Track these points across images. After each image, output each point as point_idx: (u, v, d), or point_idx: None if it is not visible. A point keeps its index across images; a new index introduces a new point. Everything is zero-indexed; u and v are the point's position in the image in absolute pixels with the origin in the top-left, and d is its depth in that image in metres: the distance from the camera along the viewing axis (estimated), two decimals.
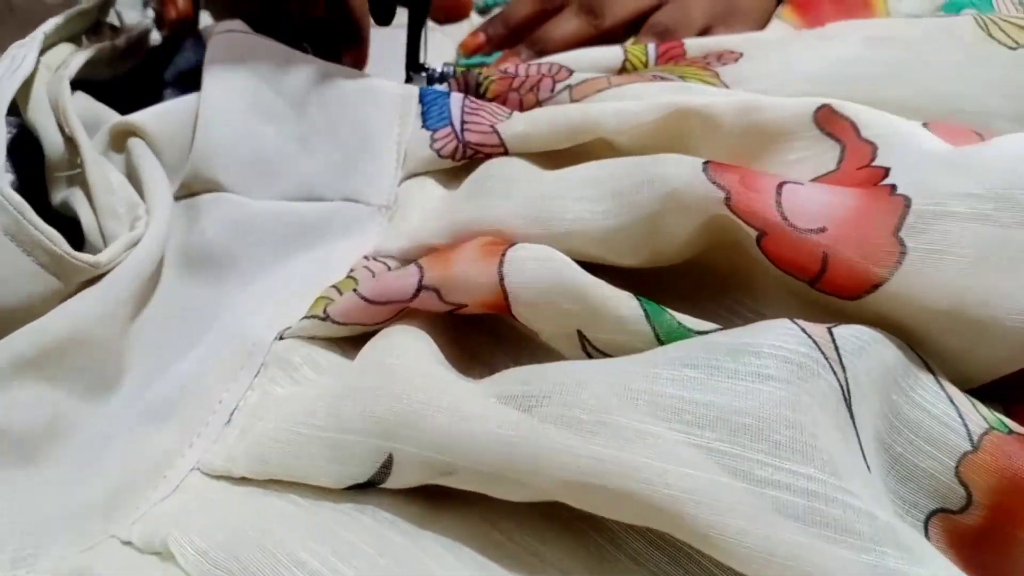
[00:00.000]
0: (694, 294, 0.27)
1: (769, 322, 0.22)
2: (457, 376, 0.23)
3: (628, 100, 0.32)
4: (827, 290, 0.23)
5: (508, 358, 0.27)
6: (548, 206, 0.26)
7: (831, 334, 0.22)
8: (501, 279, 0.24)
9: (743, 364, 0.20)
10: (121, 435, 0.24)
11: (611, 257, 0.26)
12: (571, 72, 0.35)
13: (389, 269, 0.30)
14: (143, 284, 0.26)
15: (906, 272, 0.22)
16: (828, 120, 0.28)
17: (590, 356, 0.25)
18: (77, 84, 0.34)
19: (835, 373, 0.21)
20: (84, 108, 0.34)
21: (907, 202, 0.22)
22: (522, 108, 0.35)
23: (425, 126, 0.33)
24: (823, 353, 0.21)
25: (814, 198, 0.23)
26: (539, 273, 0.24)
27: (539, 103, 0.35)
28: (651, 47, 0.38)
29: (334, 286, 0.28)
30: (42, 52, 0.33)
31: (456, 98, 0.34)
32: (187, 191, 0.32)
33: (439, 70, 0.40)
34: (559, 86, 0.34)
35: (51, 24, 0.34)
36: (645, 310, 0.23)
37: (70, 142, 0.31)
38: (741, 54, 0.35)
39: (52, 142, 0.31)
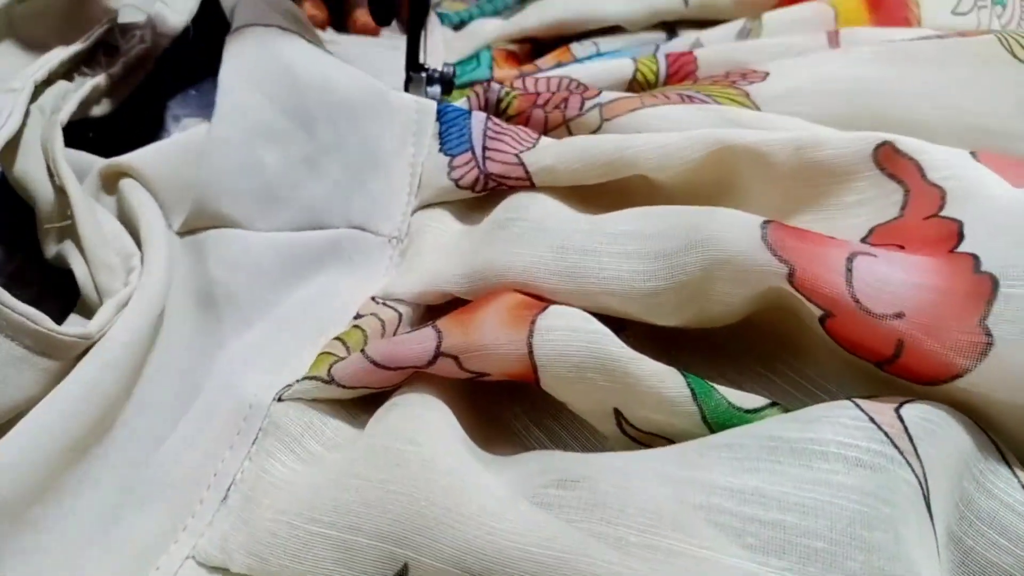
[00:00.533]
0: (740, 354, 0.25)
1: (831, 408, 0.20)
2: (480, 463, 0.20)
3: (667, 129, 0.29)
4: (899, 374, 0.21)
5: (531, 421, 0.24)
6: (581, 261, 0.24)
7: (901, 419, 0.19)
8: (530, 351, 0.21)
9: (809, 469, 0.18)
10: (107, 521, 0.22)
11: (650, 318, 0.24)
12: (600, 90, 0.32)
13: (400, 317, 0.27)
14: (134, 350, 0.23)
15: (991, 365, 0.19)
16: (890, 159, 0.26)
17: (625, 433, 0.22)
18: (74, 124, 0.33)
19: (911, 467, 0.18)
20: (74, 156, 0.32)
21: (994, 283, 0.20)
22: (547, 127, 0.32)
23: (443, 150, 0.30)
24: (897, 447, 0.19)
25: (890, 277, 0.20)
26: (573, 346, 0.21)
27: (566, 122, 0.32)
28: (662, 59, 0.36)
29: (339, 338, 0.26)
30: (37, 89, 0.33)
31: (478, 119, 0.31)
32: (191, 227, 0.30)
33: (439, 70, 0.40)
34: (588, 104, 0.32)
35: (43, 68, 0.33)
36: (692, 390, 0.21)
37: (61, 192, 0.29)
38: (767, 73, 0.33)
39: (43, 193, 0.30)
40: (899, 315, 0.20)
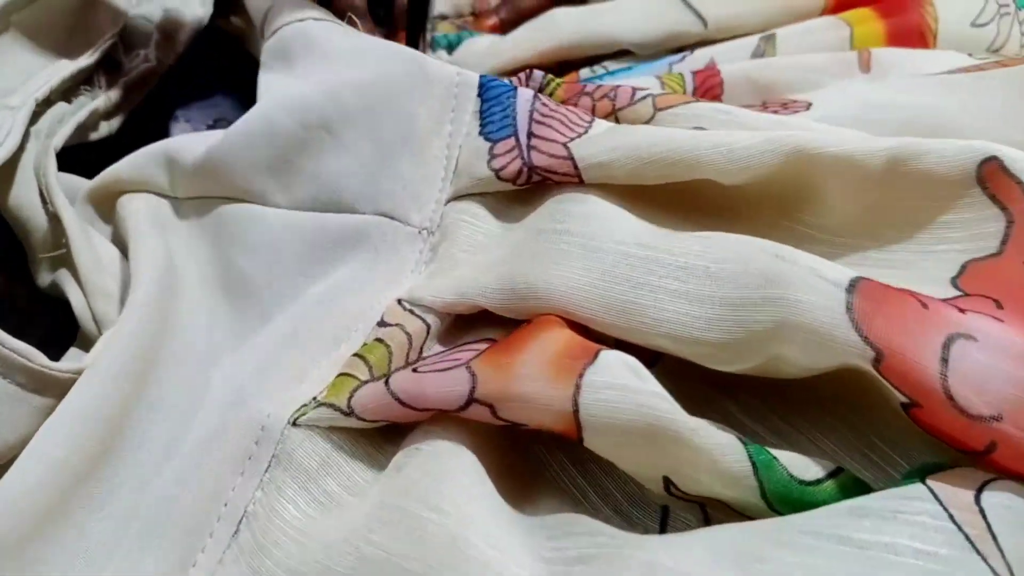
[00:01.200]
0: (800, 408, 0.22)
1: (906, 499, 0.18)
2: (512, 536, 0.18)
3: (730, 125, 0.26)
4: (986, 467, 0.18)
5: (571, 462, 0.23)
6: (634, 296, 0.21)
7: (982, 511, 0.17)
8: (575, 409, 0.19)
9: None
10: (114, 555, 0.20)
11: (703, 362, 0.21)
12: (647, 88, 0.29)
13: (427, 329, 0.24)
14: (126, 377, 0.22)
15: None
16: (994, 178, 0.23)
17: (672, 495, 0.20)
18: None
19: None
20: (66, 181, 0.31)
21: None
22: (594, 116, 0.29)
23: (484, 132, 0.27)
24: (979, 552, 0.17)
25: (991, 373, 0.17)
26: (624, 408, 0.19)
27: (615, 111, 0.28)
28: (688, 75, 0.33)
29: (360, 355, 0.23)
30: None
31: (524, 97, 0.27)
32: (200, 194, 0.28)
33: None
34: (639, 94, 0.28)
35: (45, 85, 0.32)
36: (754, 463, 0.19)
37: (55, 219, 0.28)
38: (809, 103, 0.29)
39: (35, 221, 0.29)
40: (997, 418, 0.17)
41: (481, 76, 0.28)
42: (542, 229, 0.24)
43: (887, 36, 0.36)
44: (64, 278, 0.29)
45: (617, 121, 0.28)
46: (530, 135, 0.26)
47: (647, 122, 0.27)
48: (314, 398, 0.23)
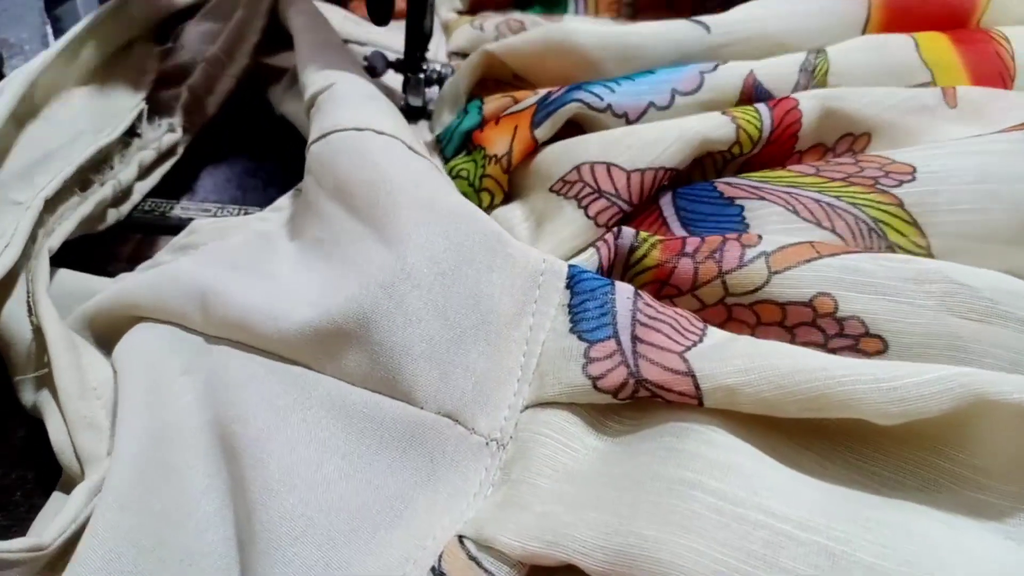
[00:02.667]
0: None
1: None
2: None
3: (857, 284, 0.23)
4: None
5: None
6: None
7: None
8: None
9: None
10: None
11: None
12: (758, 235, 0.25)
13: None
14: None
15: None
16: None
17: None
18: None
19: None
20: (70, 285, 0.30)
21: None
22: (695, 282, 0.25)
23: (577, 330, 0.22)
24: None
25: None
26: None
27: (722, 275, 0.24)
28: (765, 112, 0.30)
29: None
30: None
31: (623, 294, 0.23)
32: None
33: (438, 69, 0.39)
34: (750, 252, 0.24)
35: (57, 177, 0.30)
36: None
37: (38, 333, 0.26)
38: (913, 168, 0.26)
39: (19, 334, 0.26)
40: None
41: (571, 266, 0.24)
42: (663, 475, 0.19)
43: (958, 54, 0.34)
44: (45, 403, 0.26)
45: (725, 286, 0.24)
46: (635, 339, 0.21)
47: (760, 287, 0.23)
48: None
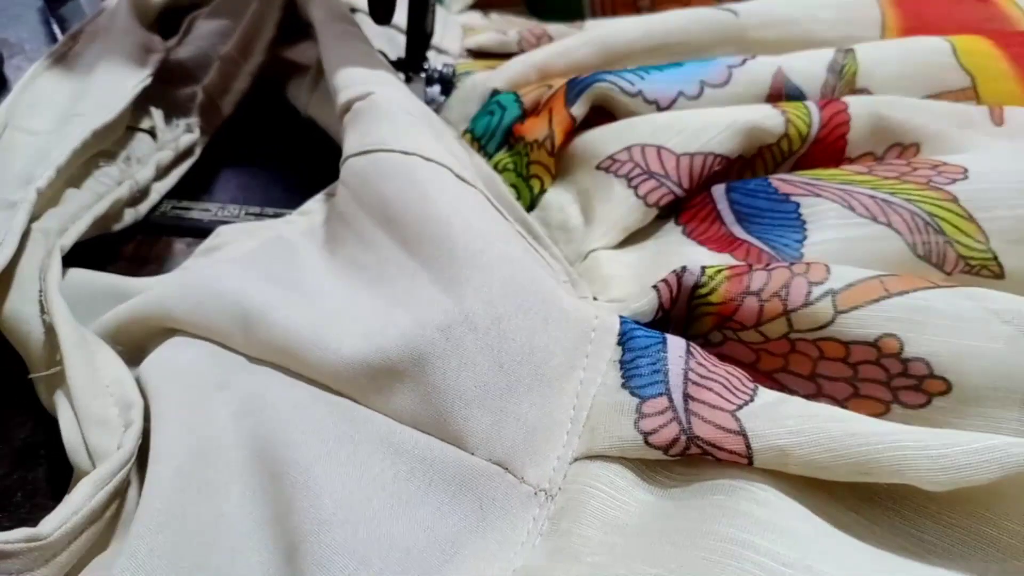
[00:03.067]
0: None
1: None
2: None
3: (932, 325, 0.23)
4: None
5: None
6: None
7: None
8: None
9: None
10: None
11: None
12: (826, 267, 0.25)
13: None
14: None
15: None
16: None
17: None
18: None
19: None
20: (82, 284, 0.29)
21: None
22: (760, 319, 0.25)
23: (628, 386, 0.23)
24: None
25: None
26: None
27: (787, 313, 0.24)
28: (814, 110, 0.31)
29: None
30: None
31: (676, 350, 0.23)
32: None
33: (439, 69, 0.39)
34: (816, 291, 0.24)
35: (51, 167, 0.30)
36: None
37: (51, 332, 0.26)
38: (964, 169, 0.27)
39: (33, 334, 0.26)
40: None
41: (623, 321, 0.24)
42: (713, 532, 0.19)
43: (1005, 59, 0.34)
44: (59, 402, 0.25)
45: (789, 323, 0.24)
46: (687, 397, 0.22)
47: (825, 325, 0.23)
48: None
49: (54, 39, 0.45)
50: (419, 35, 0.38)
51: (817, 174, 0.29)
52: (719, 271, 0.26)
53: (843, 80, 0.34)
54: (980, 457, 0.19)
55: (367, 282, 0.27)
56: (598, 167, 0.31)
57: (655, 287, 0.26)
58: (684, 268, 0.26)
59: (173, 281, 0.30)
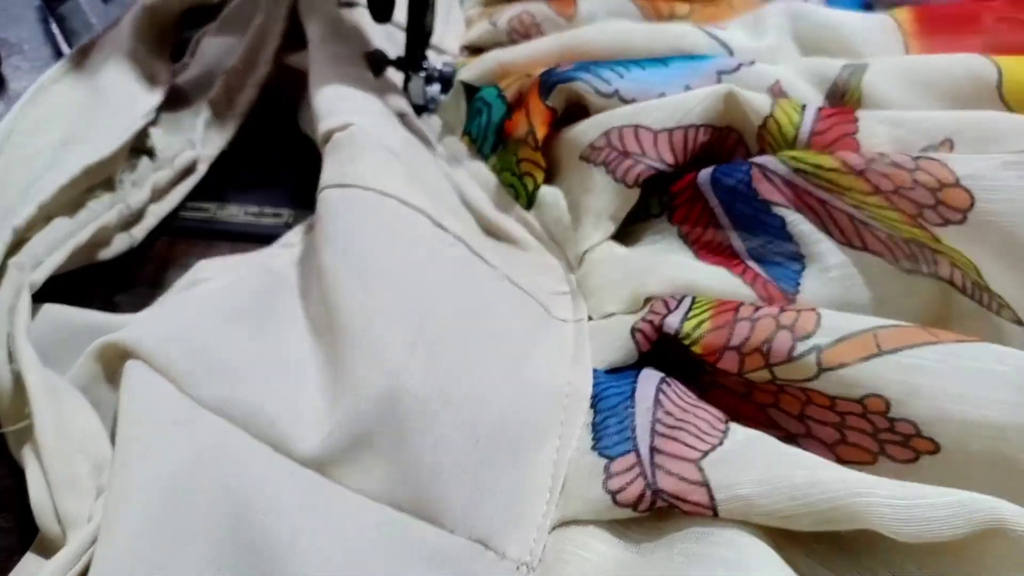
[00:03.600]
0: None
1: None
2: None
3: (925, 387, 0.21)
4: None
5: None
6: None
7: None
8: None
9: None
10: None
11: None
12: (817, 317, 0.24)
13: None
14: None
15: None
16: None
17: None
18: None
19: None
20: (58, 324, 0.27)
21: None
22: (741, 370, 0.24)
23: (598, 447, 0.23)
24: None
25: None
26: None
27: (769, 366, 0.24)
28: (810, 114, 0.29)
29: None
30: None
31: (644, 402, 0.23)
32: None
33: (438, 68, 0.39)
34: (801, 346, 0.23)
35: (30, 204, 0.27)
36: None
37: (20, 382, 0.24)
38: (972, 201, 0.24)
39: (1, 383, 0.24)
40: None
41: (596, 381, 0.25)
42: None
43: None
44: (28, 457, 0.24)
45: (773, 375, 0.23)
46: (653, 451, 0.22)
47: (809, 380, 0.23)
48: None
49: (53, 39, 0.44)
50: (419, 33, 0.37)
51: (799, 161, 0.27)
52: (700, 323, 0.25)
53: (844, 104, 0.32)
54: (948, 511, 0.18)
55: (334, 344, 0.26)
56: (580, 157, 0.32)
57: (633, 334, 0.26)
58: (663, 319, 0.26)
59: (150, 322, 0.28)
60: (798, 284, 0.27)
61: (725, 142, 0.31)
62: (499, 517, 0.23)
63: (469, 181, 0.36)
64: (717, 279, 0.28)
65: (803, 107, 0.30)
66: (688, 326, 0.25)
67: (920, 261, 0.26)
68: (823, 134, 0.29)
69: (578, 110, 0.34)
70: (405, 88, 0.39)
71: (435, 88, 0.40)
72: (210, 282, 0.31)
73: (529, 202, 0.34)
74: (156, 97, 0.36)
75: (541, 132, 0.33)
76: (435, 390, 0.24)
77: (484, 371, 0.25)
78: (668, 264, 0.29)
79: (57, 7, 0.43)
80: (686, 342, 0.25)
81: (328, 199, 0.29)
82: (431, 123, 0.40)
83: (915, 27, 0.36)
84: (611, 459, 0.23)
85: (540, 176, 0.34)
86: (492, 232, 0.34)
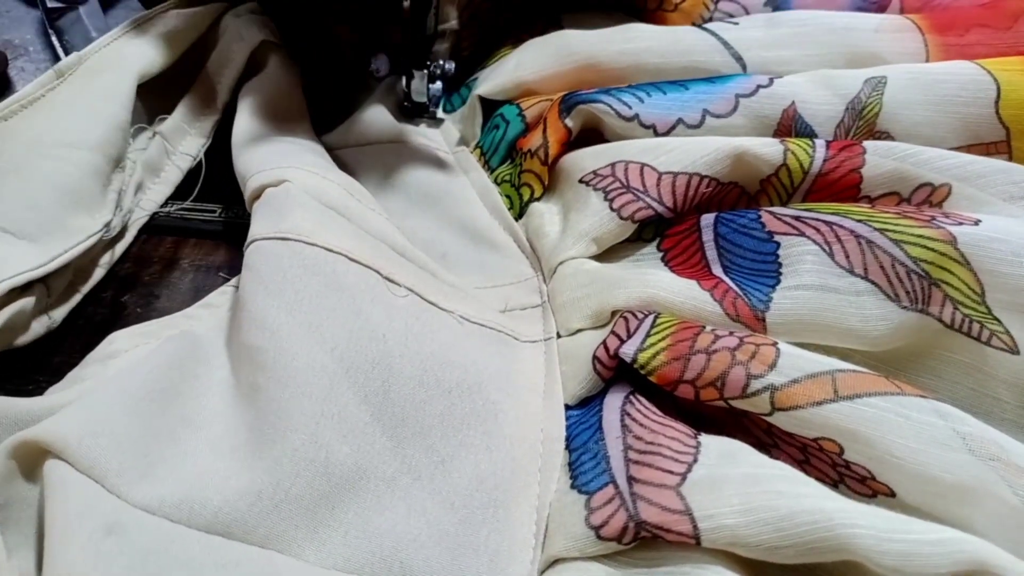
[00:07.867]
0: None
1: None
2: None
3: (877, 437, 0.21)
4: None
5: None
6: None
7: None
8: None
9: None
10: None
11: None
12: (776, 352, 0.23)
13: None
14: None
15: None
16: None
17: None
18: None
19: None
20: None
21: None
22: (697, 400, 0.24)
23: (577, 485, 0.23)
24: None
25: None
26: None
27: (724, 399, 0.23)
28: (820, 148, 0.28)
29: None
30: None
31: (612, 432, 0.23)
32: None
33: (441, 65, 0.39)
34: (755, 383, 0.23)
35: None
36: None
37: None
38: (978, 220, 0.25)
39: None
40: None
41: (568, 422, 0.24)
42: None
43: None
44: None
45: (730, 407, 0.23)
46: (631, 480, 0.21)
47: (766, 415, 0.23)
48: None
49: (55, 47, 0.44)
50: (421, 33, 0.37)
51: (811, 205, 0.28)
52: (655, 353, 0.25)
53: (862, 120, 0.31)
54: (932, 549, 0.18)
55: (268, 414, 0.24)
56: (580, 180, 0.32)
57: (594, 364, 0.26)
58: (619, 348, 0.25)
59: (69, 415, 0.25)
60: (768, 302, 0.26)
61: (728, 195, 0.31)
62: (484, 571, 0.22)
63: (466, 187, 0.36)
64: (685, 294, 0.27)
65: (812, 145, 0.29)
66: (644, 357, 0.25)
67: (918, 300, 0.25)
68: (828, 175, 0.29)
69: (592, 137, 0.34)
70: (407, 87, 0.39)
71: (437, 86, 0.40)
72: (126, 354, 0.29)
73: (520, 212, 0.34)
74: (104, 214, 0.34)
75: (554, 149, 0.33)
76: (403, 466, 0.24)
77: (453, 435, 0.24)
78: (636, 278, 0.28)
79: (56, 19, 0.43)
80: (642, 372, 0.25)
81: (265, 251, 0.27)
82: (445, 130, 0.40)
83: (927, 23, 0.35)
84: (591, 494, 0.22)
85: (539, 190, 0.34)
86: (475, 237, 0.34)
